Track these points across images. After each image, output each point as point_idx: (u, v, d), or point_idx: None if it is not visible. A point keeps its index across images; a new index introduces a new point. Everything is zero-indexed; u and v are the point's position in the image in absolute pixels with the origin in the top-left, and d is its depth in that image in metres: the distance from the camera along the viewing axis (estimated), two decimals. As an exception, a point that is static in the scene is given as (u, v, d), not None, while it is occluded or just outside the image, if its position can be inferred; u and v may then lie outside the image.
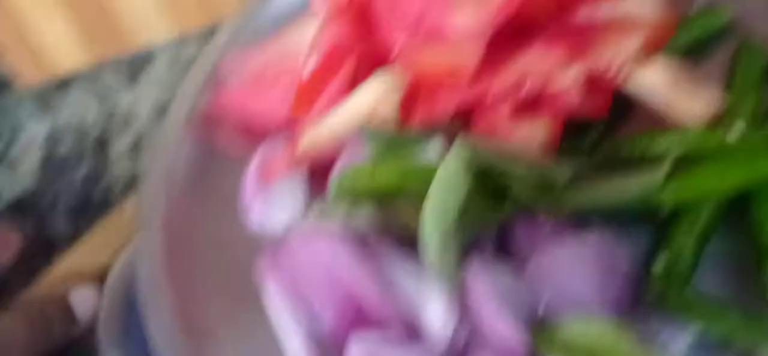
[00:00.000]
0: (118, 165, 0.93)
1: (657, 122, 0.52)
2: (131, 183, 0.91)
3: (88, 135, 0.95)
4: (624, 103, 0.53)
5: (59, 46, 0.98)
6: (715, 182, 0.47)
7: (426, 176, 0.48)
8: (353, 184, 0.50)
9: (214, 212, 0.58)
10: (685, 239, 0.46)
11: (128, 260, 0.76)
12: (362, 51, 0.54)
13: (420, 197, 0.47)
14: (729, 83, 0.53)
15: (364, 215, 0.44)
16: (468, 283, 0.43)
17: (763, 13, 0.56)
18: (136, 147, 0.94)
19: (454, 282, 0.43)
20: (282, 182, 0.55)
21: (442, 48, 0.49)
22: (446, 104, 0.49)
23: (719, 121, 0.50)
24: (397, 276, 0.45)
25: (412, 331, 0.45)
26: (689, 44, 0.55)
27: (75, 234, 0.88)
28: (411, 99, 0.51)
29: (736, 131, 0.48)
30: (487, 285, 0.42)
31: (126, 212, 0.89)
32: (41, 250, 0.86)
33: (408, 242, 0.47)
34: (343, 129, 0.52)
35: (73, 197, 0.92)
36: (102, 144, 0.95)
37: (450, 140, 0.51)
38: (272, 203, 0.55)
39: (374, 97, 0.51)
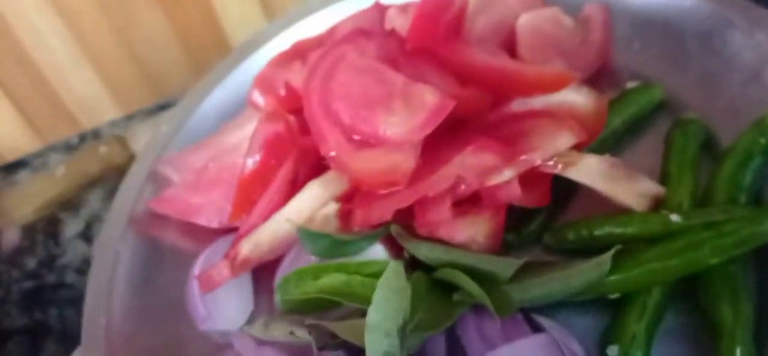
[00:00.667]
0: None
1: (603, 201, 0.52)
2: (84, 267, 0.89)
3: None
4: (569, 186, 0.54)
5: (4, 132, 0.97)
6: (660, 270, 0.47)
7: (371, 279, 0.48)
8: (298, 287, 0.50)
9: (158, 316, 0.56)
10: (635, 327, 0.46)
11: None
12: (300, 150, 0.53)
13: (364, 300, 0.47)
14: (666, 161, 0.53)
15: (308, 336, 0.43)
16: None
17: (696, 89, 0.57)
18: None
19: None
20: (228, 284, 0.54)
21: (376, 154, 0.48)
22: (385, 209, 0.48)
23: (659, 204, 0.51)
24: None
25: None
26: (626, 121, 0.56)
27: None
28: (350, 201, 0.51)
29: (676, 216, 0.48)
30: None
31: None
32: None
33: (356, 351, 0.46)
34: (283, 233, 0.51)
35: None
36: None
37: (392, 241, 0.51)
38: (219, 306, 0.54)
39: (313, 201, 0.51)
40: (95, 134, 0.98)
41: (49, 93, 0.94)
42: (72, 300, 0.86)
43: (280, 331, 0.45)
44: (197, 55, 0.93)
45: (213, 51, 0.91)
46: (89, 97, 0.96)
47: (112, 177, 0.93)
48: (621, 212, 0.51)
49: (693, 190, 0.51)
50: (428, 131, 0.47)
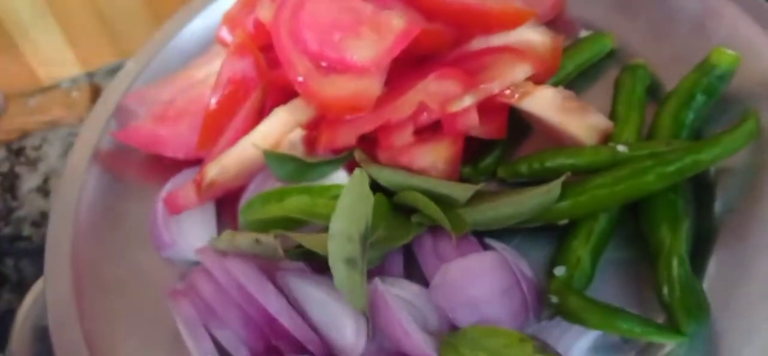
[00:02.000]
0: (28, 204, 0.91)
1: (554, 141, 0.55)
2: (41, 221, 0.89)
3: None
4: (524, 125, 0.56)
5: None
6: (607, 195, 0.49)
7: (334, 201, 0.49)
8: (263, 209, 0.51)
9: (123, 245, 0.57)
10: (581, 251, 0.49)
11: (41, 291, 0.74)
12: (268, 82, 0.55)
13: (327, 219, 0.48)
14: (614, 102, 0.56)
15: (273, 241, 0.45)
16: (376, 303, 0.44)
17: (645, 39, 0.60)
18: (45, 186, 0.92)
19: (362, 303, 0.44)
20: (192, 213, 0.56)
21: (343, 80, 0.50)
22: (349, 134, 0.50)
23: (607, 139, 0.53)
24: (308, 299, 0.46)
25: (325, 353, 0.46)
26: (579, 67, 0.59)
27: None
28: (316, 129, 0.52)
29: (623, 147, 0.51)
30: (393, 304, 0.43)
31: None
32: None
33: (318, 266, 0.48)
34: (249, 158, 0.53)
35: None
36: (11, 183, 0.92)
37: (355, 167, 0.52)
38: (183, 234, 0.55)
39: (280, 126, 0.52)
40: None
41: (10, 48, 0.93)
42: (28, 252, 0.86)
43: (245, 241, 0.46)
44: (162, 14, 0.93)
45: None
46: (52, 54, 0.95)
47: (74, 130, 0.94)
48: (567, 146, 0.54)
49: (639, 127, 0.54)
50: (395, 53, 0.49)
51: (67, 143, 0.93)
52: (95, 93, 0.95)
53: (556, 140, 0.55)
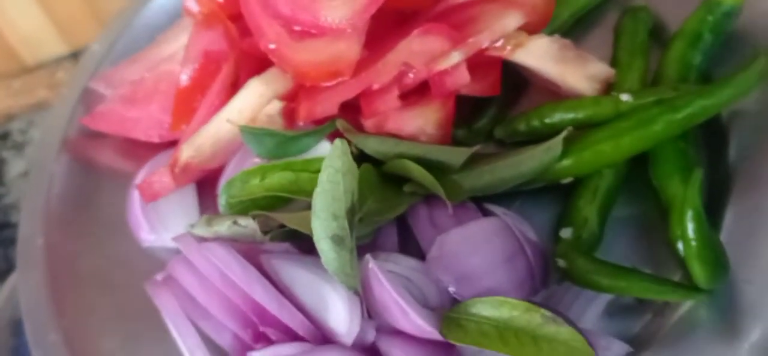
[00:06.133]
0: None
1: (553, 95, 0.51)
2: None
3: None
4: (519, 80, 0.53)
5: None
6: (612, 149, 0.46)
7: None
8: (243, 189, 0.48)
9: (100, 236, 0.54)
10: (588, 210, 0.46)
11: (13, 287, 0.71)
12: (240, 54, 0.51)
13: (311, 196, 0.45)
14: (616, 48, 0.53)
15: (253, 223, 0.42)
16: (369, 282, 0.41)
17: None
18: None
19: (354, 282, 0.40)
20: (171, 198, 0.52)
21: (319, 44, 0.46)
22: (329, 102, 0.46)
23: (609, 88, 0.50)
24: (296, 282, 0.43)
25: (317, 337, 0.43)
26: (575, 13, 0.55)
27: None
28: (294, 100, 0.49)
29: (627, 96, 0.47)
30: (387, 281, 0.40)
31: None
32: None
33: (305, 246, 0.45)
34: (225, 136, 0.49)
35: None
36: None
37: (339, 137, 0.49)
38: (163, 222, 0.52)
39: (255, 99, 0.48)
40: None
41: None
42: (16, 240, 0.83)
43: (222, 225, 0.43)
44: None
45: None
46: (34, 33, 0.92)
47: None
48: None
49: (643, 74, 0.51)
50: (372, 10, 0.45)
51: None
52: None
53: (554, 93, 0.51)
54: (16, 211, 0.85)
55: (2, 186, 0.87)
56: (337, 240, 0.39)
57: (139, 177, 0.52)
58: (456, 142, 0.50)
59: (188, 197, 0.53)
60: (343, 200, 0.39)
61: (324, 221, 0.39)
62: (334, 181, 0.39)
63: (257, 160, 0.49)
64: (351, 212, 0.40)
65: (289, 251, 0.43)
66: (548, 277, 0.45)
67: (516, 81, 0.53)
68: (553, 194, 0.48)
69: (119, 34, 0.61)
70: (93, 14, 0.91)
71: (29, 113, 0.92)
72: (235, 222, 0.42)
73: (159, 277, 0.48)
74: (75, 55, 0.95)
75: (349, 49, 0.46)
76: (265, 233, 0.42)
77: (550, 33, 0.52)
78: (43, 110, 0.91)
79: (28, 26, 0.91)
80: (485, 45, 0.46)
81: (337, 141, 0.39)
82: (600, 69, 0.49)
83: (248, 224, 0.41)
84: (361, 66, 0.46)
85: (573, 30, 0.55)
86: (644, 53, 0.52)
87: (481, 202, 0.47)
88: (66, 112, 0.58)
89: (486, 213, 0.46)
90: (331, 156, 0.39)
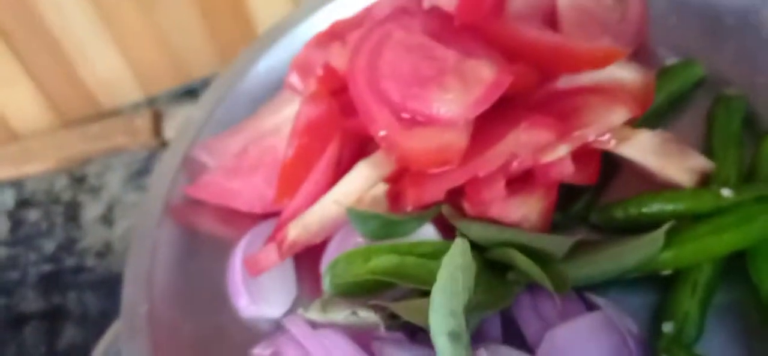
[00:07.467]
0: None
1: (645, 180, 0.52)
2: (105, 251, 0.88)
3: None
4: (612, 165, 0.54)
5: (22, 109, 0.95)
6: (713, 244, 0.47)
7: (424, 260, 0.47)
8: (347, 270, 0.49)
9: (201, 304, 0.55)
10: (688, 304, 0.46)
11: (108, 343, 0.73)
12: (345, 131, 0.53)
13: (418, 280, 0.46)
14: (709, 137, 0.54)
15: (374, 316, 0.43)
16: (482, 375, 0.42)
17: (735, 66, 0.57)
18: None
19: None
20: (269, 270, 0.54)
21: (428, 133, 0.48)
22: (437, 189, 0.47)
23: (707, 180, 0.51)
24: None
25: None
26: (669, 98, 0.56)
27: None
28: (399, 182, 0.50)
29: (727, 191, 0.48)
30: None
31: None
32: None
33: (412, 331, 0.46)
34: (331, 215, 0.51)
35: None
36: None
37: (443, 221, 0.50)
38: (262, 293, 0.53)
39: (362, 181, 0.50)
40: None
41: (70, 72, 0.92)
42: (92, 284, 0.85)
43: (339, 312, 0.44)
44: (222, 38, 0.92)
45: (238, 35, 0.90)
46: (111, 77, 0.94)
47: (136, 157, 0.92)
48: (664, 190, 0.51)
49: (739, 165, 0.51)
50: (486, 106, 0.46)
51: (130, 170, 0.93)
52: (157, 119, 0.94)
53: (648, 179, 0.52)
54: (92, 255, 0.87)
55: (79, 229, 0.90)
56: (454, 337, 0.40)
57: (241, 248, 0.54)
58: (552, 227, 0.52)
59: (287, 268, 0.55)
60: (461, 297, 0.40)
61: (442, 317, 0.40)
62: (454, 278, 0.40)
63: (360, 240, 0.50)
64: (467, 308, 0.41)
65: (401, 341, 0.44)
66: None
67: (609, 165, 0.53)
68: (646, 282, 0.49)
69: (218, 101, 0.63)
70: (171, 62, 0.94)
71: (105, 157, 0.94)
72: (353, 313, 0.43)
73: (262, 351, 0.49)
74: (151, 102, 0.97)
75: (459, 139, 0.47)
76: (380, 322, 0.43)
77: (646, 117, 0.53)
78: (119, 154, 0.94)
79: (106, 71, 0.94)
80: (591, 139, 0.48)
81: (459, 240, 0.41)
82: (699, 162, 0.50)
83: (368, 317, 0.43)
84: (468, 154, 0.48)
85: (665, 115, 0.56)
86: (738, 143, 0.52)
87: (581, 290, 0.48)
88: (168, 178, 0.60)
89: (587, 303, 0.47)
90: (452, 253, 0.41)
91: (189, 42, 0.92)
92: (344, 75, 0.53)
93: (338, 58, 0.54)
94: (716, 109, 0.55)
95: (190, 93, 0.96)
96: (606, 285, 0.49)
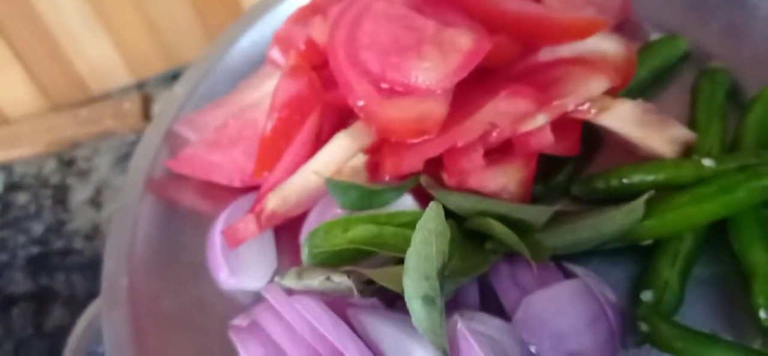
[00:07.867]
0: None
1: (628, 152, 0.52)
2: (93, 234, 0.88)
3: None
4: (594, 137, 0.53)
5: (12, 93, 0.96)
6: (694, 213, 0.46)
7: (402, 229, 0.47)
8: (326, 240, 0.49)
9: (182, 277, 0.55)
10: (668, 273, 0.46)
11: (90, 319, 0.73)
12: (325, 104, 0.52)
13: (396, 249, 0.46)
14: (693, 110, 0.53)
15: (347, 281, 0.43)
16: (457, 342, 0.41)
17: (720, 39, 0.56)
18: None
19: (443, 342, 0.41)
20: (250, 241, 0.53)
21: (407, 102, 0.47)
22: (415, 159, 0.47)
23: (689, 151, 0.50)
24: (383, 337, 0.44)
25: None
26: (653, 73, 0.56)
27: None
28: (378, 153, 0.50)
29: (709, 161, 0.47)
30: (477, 343, 0.41)
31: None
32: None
33: (390, 300, 0.46)
34: (310, 186, 0.51)
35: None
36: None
37: (421, 192, 0.50)
38: (242, 265, 0.53)
39: (341, 153, 0.50)
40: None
41: (60, 57, 0.92)
42: (80, 266, 0.85)
43: (314, 279, 0.44)
44: (211, 23, 0.92)
45: (227, 19, 0.91)
46: (101, 62, 0.94)
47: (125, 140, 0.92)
48: (646, 161, 0.51)
49: (722, 136, 0.51)
50: (463, 74, 0.46)
51: (118, 154, 0.93)
52: (146, 103, 0.95)
53: (630, 151, 0.52)
54: (80, 237, 0.87)
55: (67, 212, 0.90)
56: (427, 300, 0.40)
57: (221, 221, 0.54)
58: (532, 197, 0.51)
59: (267, 241, 0.55)
60: (435, 261, 0.40)
61: (416, 281, 0.40)
62: (428, 242, 0.40)
63: (339, 211, 0.50)
64: (441, 273, 0.41)
65: (376, 307, 0.44)
66: (627, 338, 0.45)
67: (591, 137, 0.53)
68: (629, 252, 0.49)
69: (201, 77, 0.63)
70: (160, 46, 0.94)
71: (95, 141, 0.94)
72: (328, 278, 0.43)
73: (242, 322, 0.49)
74: (140, 86, 0.97)
75: (437, 108, 0.47)
76: (355, 288, 0.43)
77: (628, 91, 0.53)
78: (109, 138, 0.94)
79: (96, 56, 0.94)
80: (571, 108, 0.47)
81: (433, 204, 0.40)
82: (681, 132, 0.50)
83: (342, 281, 0.42)
84: (446, 124, 0.47)
85: (649, 89, 0.56)
86: (722, 116, 0.52)
87: (560, 260, 0.48)
88: (150, 153, 0.60)
89: (566, 272, 0.47)
90: (425, 218, 0.40)
91: (178, 27, 0.92)
92: (325, 49, 0.52)
93: (319, 32, 0.54)
94: (701, 82, 0.54)
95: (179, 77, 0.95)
96: (587, 257, 0.48)
